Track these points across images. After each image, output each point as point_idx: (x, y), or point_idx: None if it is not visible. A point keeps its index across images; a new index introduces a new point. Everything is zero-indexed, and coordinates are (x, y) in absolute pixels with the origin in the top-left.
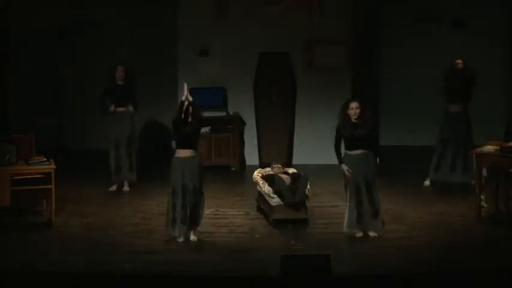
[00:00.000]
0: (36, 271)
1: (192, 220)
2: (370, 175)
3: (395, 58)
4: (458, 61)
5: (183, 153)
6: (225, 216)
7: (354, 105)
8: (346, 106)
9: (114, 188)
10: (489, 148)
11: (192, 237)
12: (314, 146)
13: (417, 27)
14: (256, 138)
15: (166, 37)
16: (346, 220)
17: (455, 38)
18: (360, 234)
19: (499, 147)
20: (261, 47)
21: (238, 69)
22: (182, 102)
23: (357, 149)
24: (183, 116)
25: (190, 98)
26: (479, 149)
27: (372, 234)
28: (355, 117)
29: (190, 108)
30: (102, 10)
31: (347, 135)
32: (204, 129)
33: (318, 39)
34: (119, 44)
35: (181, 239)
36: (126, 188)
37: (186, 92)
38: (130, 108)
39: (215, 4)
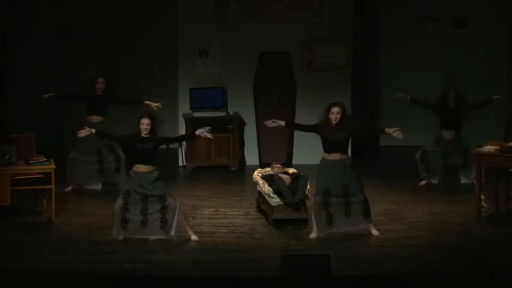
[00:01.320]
0: (36, 271)
1: (165, 224)
2: (347, 180)
3: (395, 58)
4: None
5: (141, 168)
6: (225, 216)
7: (335, 110)
8: (327, 110)
9: (70, 188)
10: (489, 148)
11: (193, 237)
12: (314, 146)
13: (417, 27)
14: (256, 138)
15: (166, 37)
16: (315, 224)
17: (455, 38)
18: (313, 235)
19: (499, 147)
20: (261, 47)
21: (238, 69)
22: (143, 121)
23: (335, 152)
24: (143, 133)
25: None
26: (479, 149)
27: (374, 232)
28: (336, 122)
29: (150, 127)
30: (102, 10)
31: (326, 138)
32: (204, 129)
33: (318, 39)
34: (119, 44)
35: (121, 237)
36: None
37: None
38: (105, 118)
39: (215, 4)
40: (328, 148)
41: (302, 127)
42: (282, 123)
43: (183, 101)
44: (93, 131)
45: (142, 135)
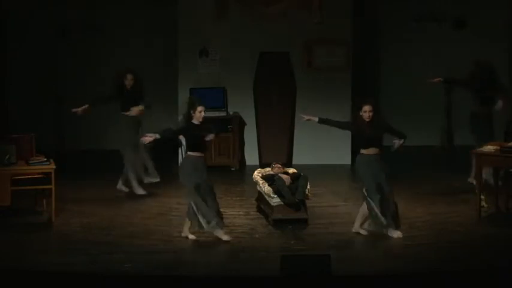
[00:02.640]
0: (36, 271)
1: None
2: (384, 175)
3: (395, 58)
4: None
5: (199, 154)
6: (225, 216)
7: (367, 108)
8: (359, 108)
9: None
10: (489, 148)
11: (191, 236)
12: (314, 146)
13: (417, 28)
14: (256, 138)
15: (166, 37)
16: (374, 219)
17: (455, 38)
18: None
19: (499, 147)
20: (261, 47)
21: (238, 69)
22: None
23: (373, 146)
24: (199, 120)
25: None
26: (479, 149)
27: (362, 232)
28: (369, 119)
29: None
30: (102, 10)
31: (363, 135)
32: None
33: (318, 39)
34: (119, 44)
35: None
36: (125, 188)
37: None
38: (142, 108)
39: (215, 4)
40: (366, 144)
41: (336, 123)
42: (316, 119)
43: (183, 101)
44: (158, 135)
45: (196, 122)
